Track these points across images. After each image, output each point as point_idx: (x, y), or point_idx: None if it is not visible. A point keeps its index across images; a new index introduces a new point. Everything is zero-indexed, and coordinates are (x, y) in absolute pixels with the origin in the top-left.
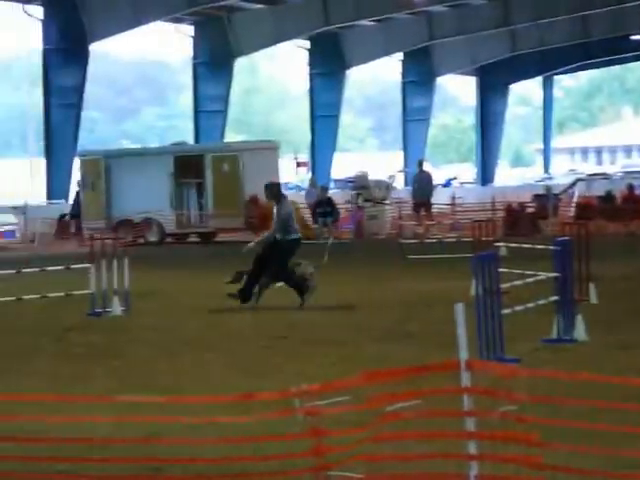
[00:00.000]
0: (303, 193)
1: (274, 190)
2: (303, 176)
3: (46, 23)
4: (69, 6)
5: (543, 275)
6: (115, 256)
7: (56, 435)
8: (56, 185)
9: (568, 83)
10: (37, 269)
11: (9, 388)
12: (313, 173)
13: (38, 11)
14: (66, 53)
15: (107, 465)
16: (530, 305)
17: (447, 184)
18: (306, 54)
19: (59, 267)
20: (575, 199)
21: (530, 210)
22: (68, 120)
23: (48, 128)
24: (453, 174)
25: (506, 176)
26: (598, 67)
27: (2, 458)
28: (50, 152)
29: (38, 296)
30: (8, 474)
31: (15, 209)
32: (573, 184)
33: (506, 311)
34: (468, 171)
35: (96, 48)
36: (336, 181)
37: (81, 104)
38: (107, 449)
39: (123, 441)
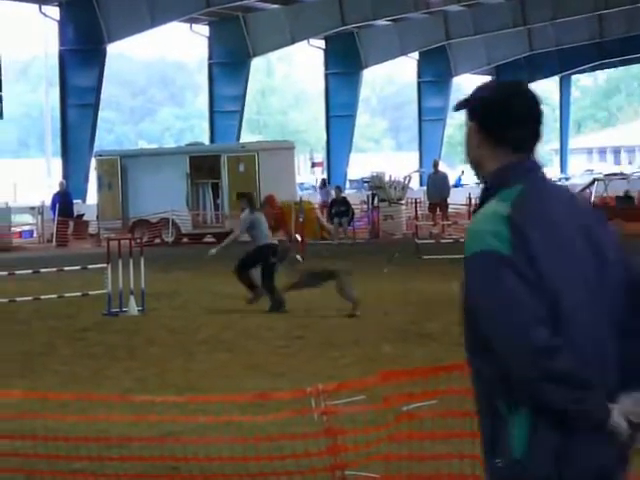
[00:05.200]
0: (317, 193)
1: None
2: (318, 176)
3: (62, 24)
4: (85, 7)
5: None
6: (131, 256)
7: (74, 434)
8: (73, 185)
9: (586, 82)
10: (55, 269)
11: (29, 387)
12: (328, 173)
13: (54, 12)
14: (83, 54)
15: (124, 464)
16: None
17: (458, 183)
18: (322, 54)
19: (76, 267)
20: (592, 199)
21: None
22: (85, 120)
23: (65, 128)
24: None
25: None
26: (615, 66)
27: (23, 456)
28: (67, 152)
29: (55, 296)
30: (28, 472)
31: (32, 209)
32: (590, 184)
33: None
34: None
35: (113, 49)
36: (352, 181)
37: (98, 105)
38: (124, 448)
39: (140, 440)
